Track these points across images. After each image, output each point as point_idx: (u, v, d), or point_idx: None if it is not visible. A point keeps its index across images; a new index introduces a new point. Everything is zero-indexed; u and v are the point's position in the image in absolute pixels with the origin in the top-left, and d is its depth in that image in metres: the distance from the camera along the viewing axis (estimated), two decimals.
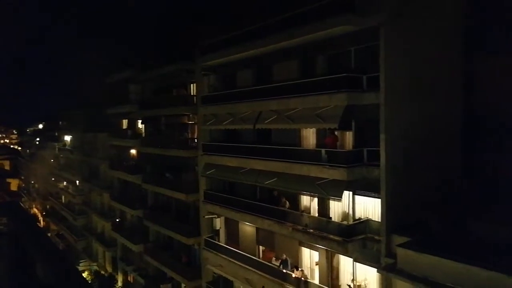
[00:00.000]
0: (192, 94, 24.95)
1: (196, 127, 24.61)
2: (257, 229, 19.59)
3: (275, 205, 17.69)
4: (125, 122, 35.63)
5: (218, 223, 22.49)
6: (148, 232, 29.63)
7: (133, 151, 33.14)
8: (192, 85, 25.15)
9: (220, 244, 21.93)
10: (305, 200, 17.48)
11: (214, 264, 22.00)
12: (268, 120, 17.37)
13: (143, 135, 31.23)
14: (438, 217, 13.05)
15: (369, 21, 13.66)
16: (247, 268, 18.97)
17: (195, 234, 23.51)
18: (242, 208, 19.16)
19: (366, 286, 14.82)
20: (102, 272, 40.23)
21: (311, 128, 16.67)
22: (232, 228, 21.91)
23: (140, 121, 31.87)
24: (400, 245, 12.37)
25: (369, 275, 14.72)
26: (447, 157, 15.52)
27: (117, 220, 35.53)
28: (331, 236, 14.60)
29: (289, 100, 16.36)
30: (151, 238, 29.56)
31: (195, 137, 24.57)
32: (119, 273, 36.30)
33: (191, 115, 25.21)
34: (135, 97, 31.46)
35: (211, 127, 21.82)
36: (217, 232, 22.76)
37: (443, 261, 10.98)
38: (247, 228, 20.46)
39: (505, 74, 17.09)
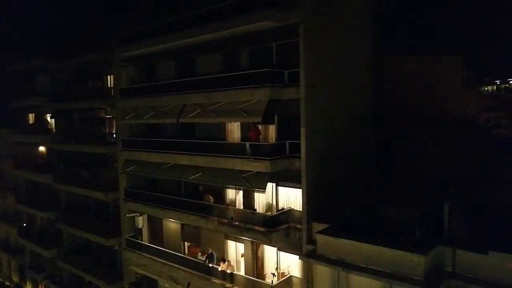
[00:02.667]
0: (109, 86, 23.45)
1: (114, 121, 23.21)
2: (182, 225, 19.23)
3: (200, 200, 17.51)
4: (32, 117, 32.21)
5: (141, 221, 21.57)
6: (62, 235, 27.30)
7: (42, 148, 30.15)
8: (109, 76, 23.62)
9: (143, 243, 21.08)
10: (230, 193, 17.59)
11: (137, 264, 21.09)
12: (192, 114, 17.07)
13: (54, 130, 28.55)
14: (353, 203, 14.06)
15: (289, 18, 14.13)
16: (172, 266, 18.52)
17: (116, 234, 22.26)
18: (166, 204, 18.61)
19: (289, 273, 15.45)
20: (7, 283, 36.10)
21: (235, 122, 16.78)
22: (155, 226, 21.19)
23: (49, 115, 29.06)
24: (319, 232, 13.11)
25: (292, 262, 15.37)
26: (361, 147, 16.79)
27: (25, 224, 32.12)
28: (256, 227, 14.92)
29: (213, 94, 16.26)
30: (66, 242, 27.29)
31: (114, 132, 23.17)
32: (27, 283, 32.95)
33: (108, 109, 23.69)
34: (44, 89, 28.56)
35: (131, 121, 20.76)
36: (139, 231, 21.82)
37: (357, 244, 11.91)
38: (172, 225, 19.96)
39: (410, 70, 19.14)
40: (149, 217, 21.30)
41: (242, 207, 16.88)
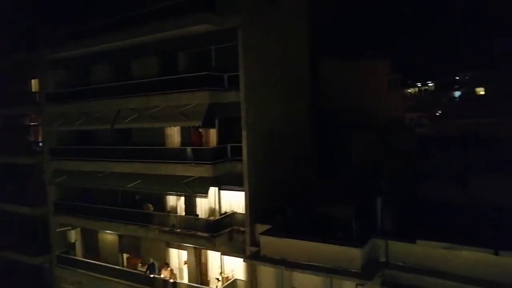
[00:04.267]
0: (34, 91, 21.65)
1: (40, 129, 21.46)
2: (120, 236, 18.37)
3: (139, 208, 16.84)
4: None
5: (73, 235, 20.19)
6: None
7: None
8: (34, 80, 21.81)
9: (77, 258, 19.72)
10: (171, 200, 17.13)
11: (71, 282, 19.63)
12: (128, 119, 16.42)
13: None
14: (294, 203, 14.44)
15: (228, 22, 14.20)
16: (110, 280, 17.51)
17: (45, 251, 20.51)
18: (102, 215, 17.64)
19: (233, 277, 15.41)
20: None
21: (175, 126, 16.42)
22: (90, 239, 19.95)
23: None
24: (262, 233, 13.26)
25: (236, 265, 15.35)
26: (301, 148, 17.33)
27: None
28: (199, 233, 14.72)
29: (151, 98, 15.80)
30: None
31: (40, 140, 21.42)
32: None
33: (33, 115, 21.86)
34: None
35: (60, 128, 19.39)
36: (72, 246, 20.37)
37: (299, 242, 12.26)
38: (108, 237, 18.95)
39: (343, 74, 20.23)
40: (83, 230, 20.01)
41: (184, 214, 16.53)
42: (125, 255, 18.79)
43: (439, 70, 55.60)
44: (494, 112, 43.32)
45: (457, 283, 10.51)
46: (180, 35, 15.28)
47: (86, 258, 19.39)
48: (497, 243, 10.29)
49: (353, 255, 11.39)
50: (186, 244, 15.82)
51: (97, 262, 18.44)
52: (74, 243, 20.38)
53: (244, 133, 14.25)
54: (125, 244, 18.48)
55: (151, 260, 16.75)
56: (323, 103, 19.91)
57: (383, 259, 11.94)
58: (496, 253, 10.15)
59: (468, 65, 49.38)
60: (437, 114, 52.83)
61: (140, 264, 17.81)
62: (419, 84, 61.06)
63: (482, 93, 47.57)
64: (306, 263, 11.98)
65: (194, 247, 15.99)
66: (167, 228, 15.58)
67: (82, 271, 18.75)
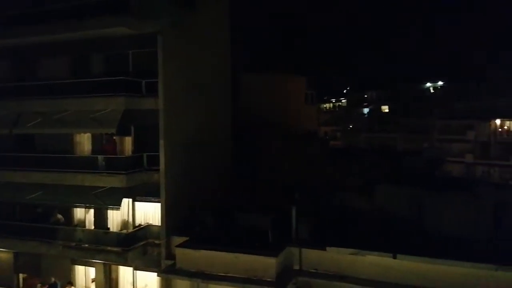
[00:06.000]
0: None
1: None
2: (16, 254, 16.39)
3: (43, 222, 15.21)
4: None
5: None
6: None
7: None
8: None
9: None
10: (79, 212, 15.79)
11: None
12: (31, 124, 14.85)
13: None
14: (214, 214, 14.29)
15: (147, 27, 13.73)
16: None
17: None
18: None
19: None
20: None
21: (85, 133, 15.28)
22: None
23: None
24: (178, 245, 12.88)
25: (150, 280, 14.63)
26: (222, 159, 17.29)
27: None
28: (109, 248, 13.79)
29: (59, 101, 14.64)
30: None
31: None
32: None
33: None
34: None
35: None
36: None
37: (215, 253, 12.16)
38: (1, 255, 16.75)
39: (263, 88, 20.85)
40: None
41: (93, 227, 15.35)
42: (21, 275, 16.76)
43: (352, 87, 60.41)
44: (395, 128, 48.40)
45: (362, 287, 11.28)
46: (95, 36, 14.36)
47: None
48: (396, 248, 11.30)
49: (268, 264, 11.60)
50: (94, 260, 14.67)
51: None
52: None
53: (161, 142, 13.80)
54: (22, 262, 16.51)
55: (53, 280, 15.23)
56: (244, 114, 20.24)
57: (297, 267, 12.36)
58: (395, 257, 11.17)
59: (375, 83, 54.24)
60: (348, 128, 57.17)
61: (39, 285, 16.02)
62: (333, 100, 65.61)
63: (387, 110, 52.68)
64: (223, 274, 11.89)
65: (103, 263, 14.90)
66: (73, 244, 14.31)
67: None
